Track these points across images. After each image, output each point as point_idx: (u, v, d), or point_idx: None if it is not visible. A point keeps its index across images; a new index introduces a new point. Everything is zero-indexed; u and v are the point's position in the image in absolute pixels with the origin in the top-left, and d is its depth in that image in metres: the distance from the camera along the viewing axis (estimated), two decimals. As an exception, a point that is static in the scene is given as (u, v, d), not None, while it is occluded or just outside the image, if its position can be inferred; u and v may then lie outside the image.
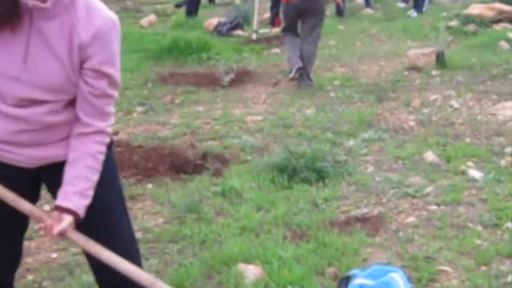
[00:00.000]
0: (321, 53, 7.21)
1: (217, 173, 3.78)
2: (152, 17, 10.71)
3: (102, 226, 1.78)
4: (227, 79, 6.11)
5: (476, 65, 6.04)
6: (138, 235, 2.80)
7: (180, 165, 3.96)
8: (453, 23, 8.12)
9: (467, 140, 4.26)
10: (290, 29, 6.00)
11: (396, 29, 8.35)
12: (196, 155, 4.09)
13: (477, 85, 5.51)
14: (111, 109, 1.76)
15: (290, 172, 3.62)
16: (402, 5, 11.57)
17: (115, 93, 1.74)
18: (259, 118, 4.91)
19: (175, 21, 9.71)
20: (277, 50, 7.52)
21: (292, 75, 5.80)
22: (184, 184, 3.65)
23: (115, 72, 1.70)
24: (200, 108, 5.35)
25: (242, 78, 6.31)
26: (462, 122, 4.62)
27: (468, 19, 8.50)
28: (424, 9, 10.24)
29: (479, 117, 4.73)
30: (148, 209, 3.39)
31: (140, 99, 5.68)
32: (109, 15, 1.68)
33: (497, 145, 4.13)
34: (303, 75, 5.79)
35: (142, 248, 2.45)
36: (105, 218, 1.80)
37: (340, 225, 3.06)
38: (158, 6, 15.20)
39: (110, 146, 1.82)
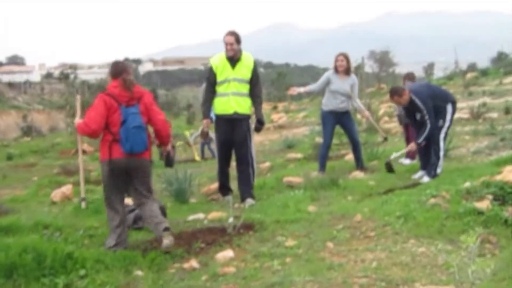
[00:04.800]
0: (260, 276, 4.20)
1: None
2: (67, 189, 7.94)
3: None
4: None
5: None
6: None
7: None
8: (484, 204, 5.10)
9: None
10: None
11: (393, 213, 5.27)
12: None
13: None
14: None
15: None
16: (407, 162, 8.68)
17: None
18: None
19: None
20: (196, 264, 4.56)
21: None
22: None
23: None
24: None
25: None
26: None
27: (505, 191, 5.52)
28: (438, 171, 7.20)
29: None
30: None
31: None
32: None
33: None
34: None
35: None
36: None
37: None
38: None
39: None
